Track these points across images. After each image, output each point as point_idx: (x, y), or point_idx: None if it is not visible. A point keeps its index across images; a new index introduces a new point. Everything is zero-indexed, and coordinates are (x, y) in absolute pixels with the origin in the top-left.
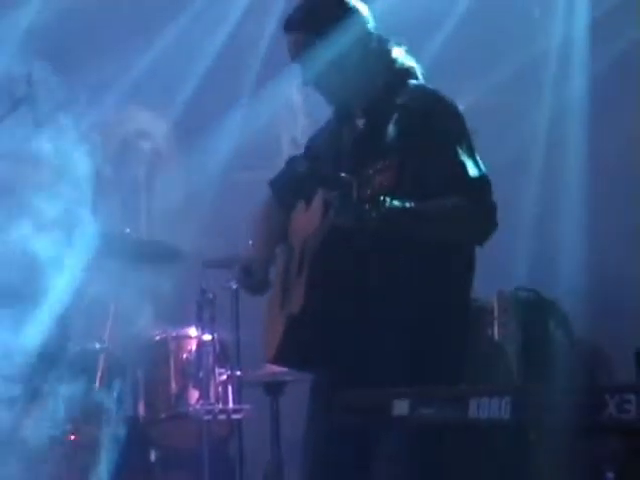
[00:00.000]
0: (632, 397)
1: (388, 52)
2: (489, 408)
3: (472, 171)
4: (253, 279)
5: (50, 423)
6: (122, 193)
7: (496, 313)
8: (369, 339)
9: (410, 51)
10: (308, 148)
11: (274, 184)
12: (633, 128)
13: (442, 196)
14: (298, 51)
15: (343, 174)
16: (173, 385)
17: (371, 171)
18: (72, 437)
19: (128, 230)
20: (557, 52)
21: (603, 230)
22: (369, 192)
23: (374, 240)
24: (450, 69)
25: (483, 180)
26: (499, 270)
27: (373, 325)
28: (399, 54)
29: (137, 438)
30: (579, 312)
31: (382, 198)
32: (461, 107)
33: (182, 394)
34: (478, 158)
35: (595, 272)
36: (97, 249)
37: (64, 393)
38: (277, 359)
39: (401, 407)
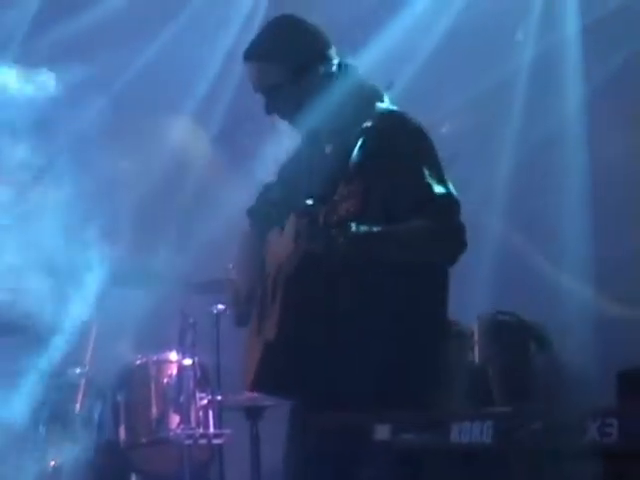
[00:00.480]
0: (614, 421)
1: (353, 77)
2: (471, 432)
3: (439, 192)
4: (238, 310)
5: (32, 450)
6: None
7: (476, 337)
8: (341, 363)
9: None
10: (280, 174)
11: (251, 212)
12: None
13: (409, 218)
14: (260, 81)
15: (311, 201)
16: (154, 409)
17: (337, 197)
18: (52, 462)
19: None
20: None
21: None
22: (335, 218)
23: (343, 265)
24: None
25: (450, 201)
26: (478, 293)
27: (344, 349)
28: (364, 78)
29: (118, 463)
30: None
31: (348, 224)
32: (444, 130)
33: (163, 418)
34: (446, 179)
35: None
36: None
37: (44, 418)
38: (254, 386)
39: (383, 431)
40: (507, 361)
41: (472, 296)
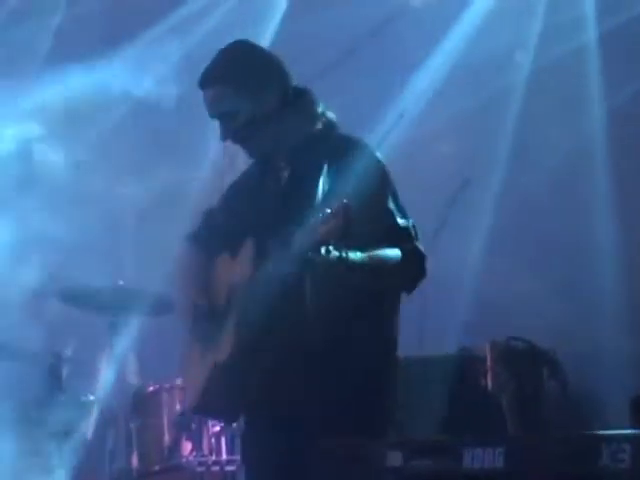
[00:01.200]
0: (627, 446)
1: (309, 103)
2: (483, 458)
3: (401, 220)
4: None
5: (43, 474)
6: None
7: (489, 363)
8: (292, 386)
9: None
10: (225, 200)
11: (193, 237)
12: None
13: (375, 245)
14: (215, 106)
15: (284, 225)
16: (166, 437)
17: (315, 220)
18: None
19: (121, 282)
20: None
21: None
22: (313, 241)
23: (309, 288)
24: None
25: (412, 229)
26: (492, 320)
27: (298, 372)
28: (320, 105)
29: None
30: (571, 360)
31: (325, 247)
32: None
33: (175, 446)
34: (402, 206)
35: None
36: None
37: (55, 444)
38: (199, 407)
39: (395, 458)
40: (520, 387)
41: (484, 322)
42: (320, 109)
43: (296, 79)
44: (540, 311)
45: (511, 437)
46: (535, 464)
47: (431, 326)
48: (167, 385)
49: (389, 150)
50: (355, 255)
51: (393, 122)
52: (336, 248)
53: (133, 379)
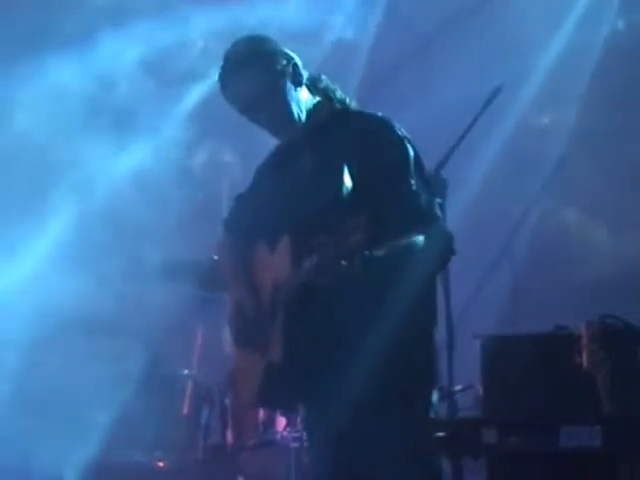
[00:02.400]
0: None
1: (326, 86)
2: (579, 437)
3: (426, 202)
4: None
5: (139, 448)
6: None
7: (585, 341)
8: (346, 375)
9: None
10: (254, 184)
11: (228, 224)
12: None
13: (401, 231)
14: (245, 92)
15: (320, 235)
16: (261, 412)
17: (346, 229)
18: (160, 464)
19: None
20: None
21: None
22: (345, 249)
23: (345, 291)
24: None
25: (437, 208)
26: (587, 299)
27: (345, 368)
28: (338, 88)
29: (225, 465)
30: None
31: (359, 256)
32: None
33: (269, 421)
34: (428, 182)
35: None
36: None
37: (152, 419)
38: (258, 402)
39: (490, 436)
40: (615, 366)
41: (579, 300)
42: (338, 92)
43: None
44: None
45: (609, 416)
46: (633, 443)
47: (526, 305)
48: None
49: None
50: (382, 253)
51: (490, 95)
52: (369, 255)
53: (228, 349)
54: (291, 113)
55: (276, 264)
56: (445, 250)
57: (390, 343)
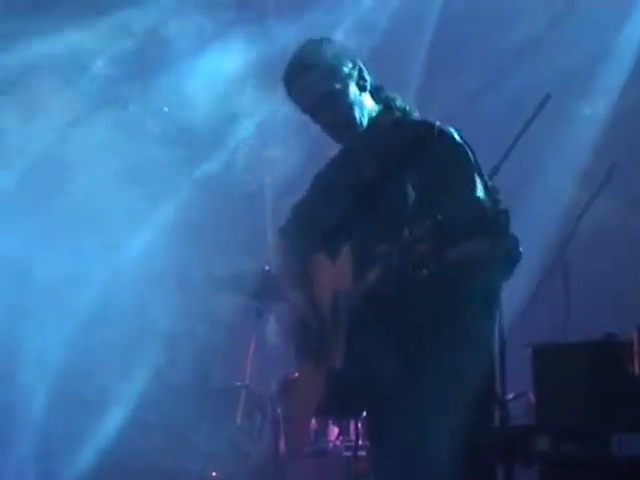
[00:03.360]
0: None
1: (386, 96)
2: (631, 445)
3: (490, 208)
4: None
5: (191, 457)
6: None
7: (636, 348)
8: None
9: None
10: (313, 192)
11: (285, 232)
12: None
13: (466, 238)
14: (312, 91)
15: (382, 245)
16: (313, 422)
17: (411, 238)
18: (213, 473)
19: (267, 267)
20: None
21: None
22: (411, 259)
23: (409, 301)
24: None
25: (503, 215)
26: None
27: (405, 379)
28: (398, 97)
29: (278, 474)
30: None
31: (425, 265)
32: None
33: (322, 430)
34: (491, 188)
35: None
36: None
37: (206, 428)
38: (321, 411)
39: (542, 442)
40: None
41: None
42: (398, 100)
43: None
44: None
45: None
46: None
47: (577, 312)
48: None
49: None
50: (448, 262)
51: (539, 105)
52: (434, 263)
53: (273, 339)
54: (354, 117)
55: (337, 273)
56: (510, 256)
57: (454, 353)
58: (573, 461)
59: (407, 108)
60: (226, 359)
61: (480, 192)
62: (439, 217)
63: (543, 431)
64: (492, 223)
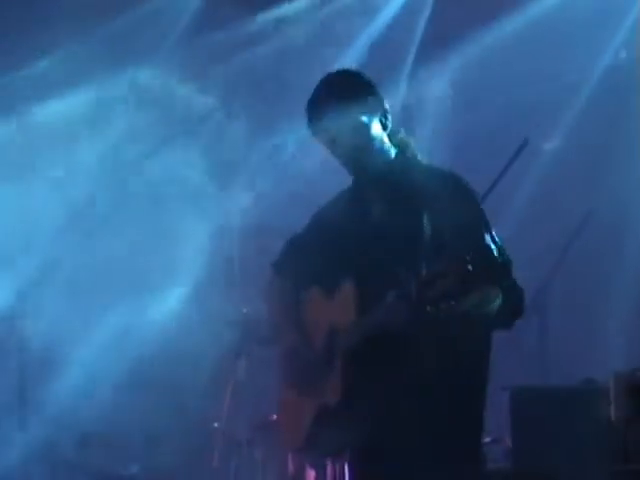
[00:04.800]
0: None
1: (401, 139)
2: None
3: (499, 257)
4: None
5: None
6: None
7: (613, 394)
8: (404, 432)
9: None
10: (314, 228)
11: (279, 267)
12: None
13: (480, 283)
14: (337, 117)
15: (402, 271)
16: (290, 465)
17: (431, 274)
18: None
19: (245, 310)
20: None
21: None
22: (432, 294)
23: (424, 337)
24: None
25: (509, 264)
26: (616, 351)
27: (406, 419)
28: (402, 132)
29: None
30: None
31: (445, 302)
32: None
33: (299, 474)
34: (498, 240)
35: None
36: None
37: (183, 471)
38: (304, 449)
39: None
40: None
41: (608, 352)
42: (411, 146)
43: None
44: None
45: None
46: None
47: (555, 358)
48: None
49: None
50: (466, 303)
51: (516, 151)
52: (451, 302)
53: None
54: (372, 151)
55: (335, 309)
56: (517, 306)
57: (451, 395)
58: None
59: (418, 155)
60: (204, 401)
61: (492, 242)
62: (467, 257)
63: (520, 476)
64: (504, 272)
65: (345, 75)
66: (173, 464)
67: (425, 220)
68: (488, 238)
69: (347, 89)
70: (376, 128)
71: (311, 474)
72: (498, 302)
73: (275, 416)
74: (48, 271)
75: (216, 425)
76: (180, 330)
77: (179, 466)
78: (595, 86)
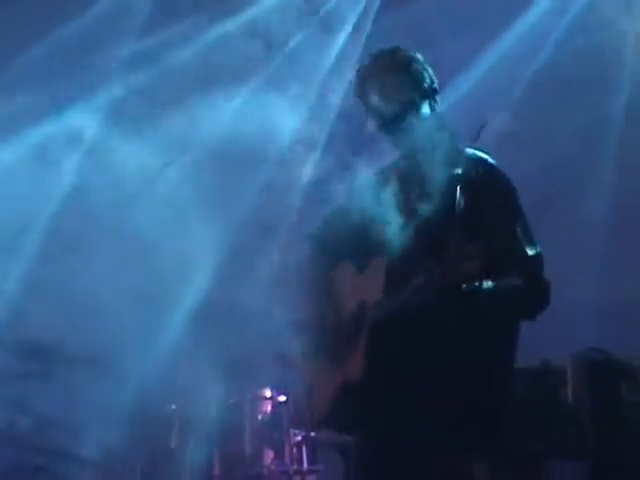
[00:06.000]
0: None
1: (445, 123)
2: (562, 472)
3: (530, 250)
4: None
5: None
6: None
7: (569, 375)
8: (424, 409)
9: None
10: (353, 203)
11: (313, 238)
12: None
13: (503, 275)
14: (394, 94)
15: (431, 254)
16: (248, 446)
17: (456, 256)
18: None
19: None
20: None
21: None
22: (455, 278)
23: (447, 319)
24: None
25: (539, 259)
26: (570, 331)
27: (429, 396)
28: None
29: None
30: None
31: (466, 286)
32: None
33: (257, 455)
34: (532, 234)
35: None
36: None
37: (140, 454)
38: (327, 422)
39: (479, 466)
40: (598, 401)
41: (568, 332)
42: (446, 121)
43: None
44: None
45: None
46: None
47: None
48: (249, 395)
49: None
50: (488, 289)
51: (476, 133)
52: (475, 286)
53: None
54: (419, 131)
55: (365, 284)
56: (542, 299)
57: (473, 379)
58: None
59: (453, 129)
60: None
61: (522, 232)
62: (495, 242)
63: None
64: (534, 264)
65: (408, 51)
66: (129, 446)
67: (461, 203)
68: (520, 228)
69: (409, 64)
70: (426, 109)
71: (269, 454)
72: (522, 291)
73: (237, 398)
74: None
75: (173, 407)
76: None
77: (136, 448)
78: None
